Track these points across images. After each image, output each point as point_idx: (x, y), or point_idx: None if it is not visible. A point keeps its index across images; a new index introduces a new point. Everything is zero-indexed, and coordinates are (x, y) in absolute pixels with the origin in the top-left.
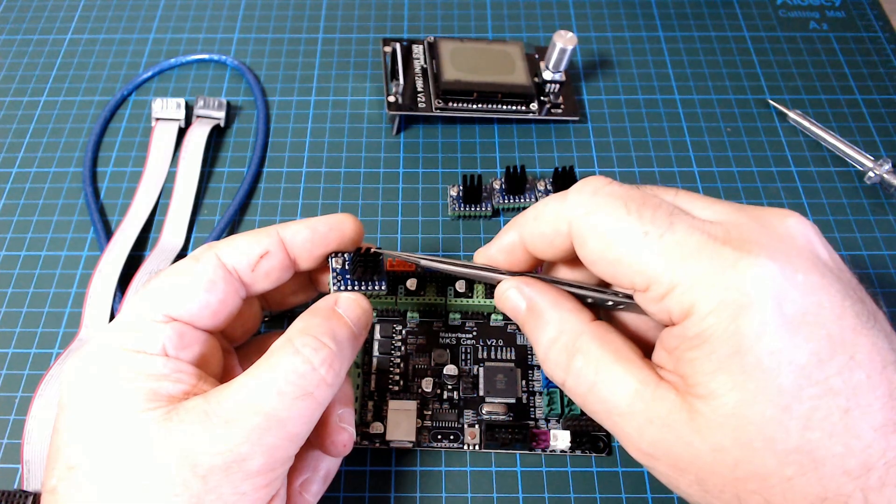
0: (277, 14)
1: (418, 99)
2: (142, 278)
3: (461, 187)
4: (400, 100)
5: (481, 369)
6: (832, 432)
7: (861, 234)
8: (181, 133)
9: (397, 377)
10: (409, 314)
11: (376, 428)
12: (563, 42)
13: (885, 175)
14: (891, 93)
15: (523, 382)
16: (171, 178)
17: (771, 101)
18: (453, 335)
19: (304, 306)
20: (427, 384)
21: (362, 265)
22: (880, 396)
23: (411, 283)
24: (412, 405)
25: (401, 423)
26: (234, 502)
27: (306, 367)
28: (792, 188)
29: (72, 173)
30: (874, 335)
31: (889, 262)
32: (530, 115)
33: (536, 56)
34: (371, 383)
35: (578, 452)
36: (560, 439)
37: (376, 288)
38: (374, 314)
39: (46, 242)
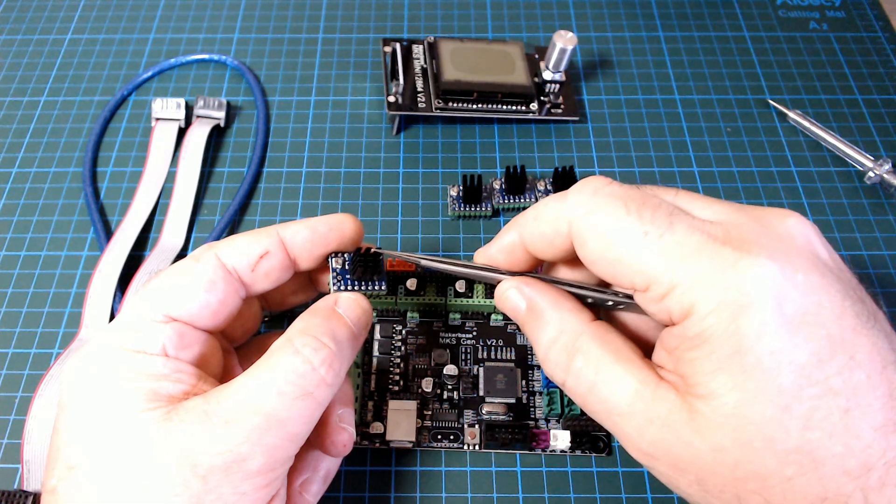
0: (277, 14)
1: (418, 99)
2: (142, 278)
3: (461, 187)
4: (400, 100)
5: (481, 369)
6: (832, 432)
7: (861, 234)
8: (181, 133)
9: (397, 377)
10: (409, 314)
11: (376, 428)
12: (563, 42)
13: (885, 175)
14: (891, 93)
15: (523, 382)
16: (171, 178)
17: (771, 101)
18: (453, 335)
19: (304, 306)
20: (427, 384)
21: (362, 265)
22: (880, 396)
23: (411, 283)
24: (412, 405)
25: (401, 423)
26: (234, 502)
27: (306, 367)
28: (792, 188)
29: (72, 173)
30: (874, 335)
31: (889, 262)
32: (530, 115)
33: (536, 56)
34: (371, 383)
35: (578, 452)
36: (560, 439)
37: (376, 288)
38: (374, 314)
39: (46, 242)
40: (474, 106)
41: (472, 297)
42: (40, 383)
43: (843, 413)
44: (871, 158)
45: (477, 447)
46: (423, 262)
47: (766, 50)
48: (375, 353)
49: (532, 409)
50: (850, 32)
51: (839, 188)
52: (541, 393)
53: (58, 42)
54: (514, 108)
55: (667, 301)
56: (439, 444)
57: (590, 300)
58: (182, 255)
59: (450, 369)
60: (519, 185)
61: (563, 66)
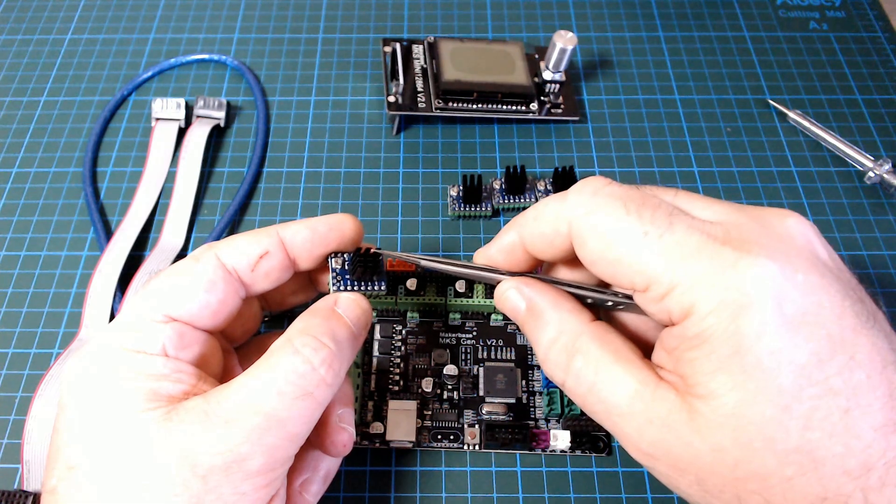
0: (277, 14)
1: (418, 99)
2: (142, 278)
3: (461, 187)
4: (400, 100)
5: (481, 369)
6: (832, 432)
7: (861, 234)
8: (181, 133)
9: (397, 377)
10: (409, 314)
11: (376, 428)
12: (563, 42)
13: (885, 175)
14: (891, 93)
15: (523, 382)
16: (171, 178)
17: (771, 101)
18: (453, 335)
19: (304, 306)
20: (427, 384)
21: (362, 265)
22: (880, 396)
23: (411, 283)
24: (412, 405)
25: (401, 423)
26: (234, 502)
27: (306, 367)
28: (792, 188)
29: (72, 173)
30: (874, 335)
31: (889, 262)
32: (530, 115)
33: (536, 56)
34: (371, 383)
35: (578, 452)
36: (560, 439)
37: (376, 288)
38: (374, 314)
39: (46, 242)
40: (474, 106)
41: (472, 297)
42: (40, 383)
43: (843, 413)
44: (871, 158)
45: (477, 447)
46: (423, 263)
47: (766, 50)
48: (375, 353)
49: (532, 409)
50: (850, 32)
51: (839, 188)
52: (541, 393)
53: (58, 42)
54: (514, 108)
55: (666, 301)
56: (439, 444)
57: (589, 300)
58: (182, 255)
59: (450, 369)
60: (519, 185)
61: (563, 66)
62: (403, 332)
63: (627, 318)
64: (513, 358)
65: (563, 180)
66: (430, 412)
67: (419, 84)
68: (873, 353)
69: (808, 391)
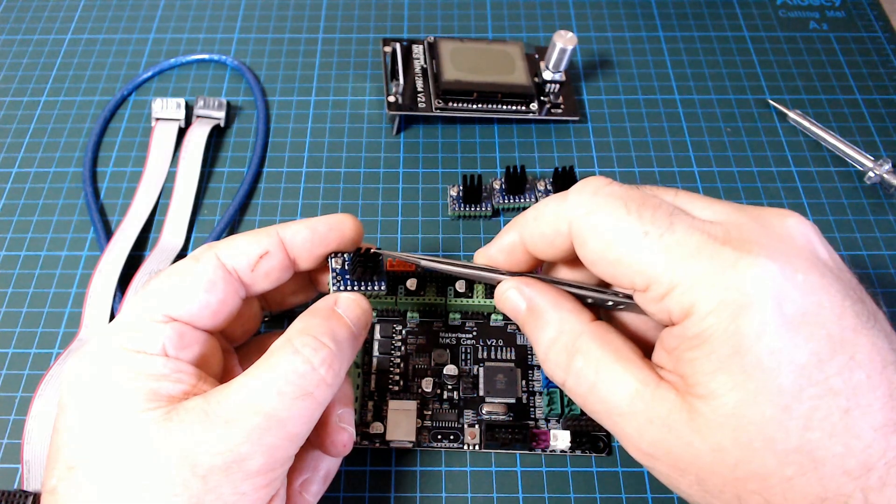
0: (277, 14)
1: (418, 99)
2: (142, 278)
3: (461, 187)
4: (400, 100)
5: (481, 369)
6: (832, 432)
7: (861, 234)
8: (181, 133)
9: (397, 377)
10: (409, 314)
11: (376, 428)
12: (563, 42)
13: (885, 175)
14: (891, 93)
15: (523, 382)
16: (171, 178)
17: (771, 101)
18: (453, 335)
19: (304, 306)
20: (427, 384)
21: (362, 265)
22: (880, 396)
23: (411, 283)
24: (412, 405)
25: (401, 423)
26: (234, 502)
27: (306, 367)
28: (792, 188)
29: (72, 173)
30: (874, 335)
31: (889, 262)
32: (530, 115)
33: (536, 56)
34: (371, 383)
35: (578, 452)
36: (560, 439)
37: (376, 288)
38: (374, 314)
39: (46, 242)
40: (474, 106)
41: (472, 297)
42: (40, 383)
43: (843, 413)
44: (871, 158)
45: (477, 447)
46: (423, 263)
47: (766, 50)
48: (375, 353)
49: (532, 409)
50: (850, 32)
51: (839, 188)
52: (541, 393)
53: (58, 42)
54: (514, 108)
55: (667, 301)
56: (439, 444)
57: (589, 300)
58: (182, 255)
59: (450, 369)
60: (519, 185)
61: (563, 66)
62: (403, 332)
63: (627, 317)
64: (513, 358)
65: (563, 180)
66: (430, 412)
67: (419, 84)
68: (873, 353)
69: (809, 391)
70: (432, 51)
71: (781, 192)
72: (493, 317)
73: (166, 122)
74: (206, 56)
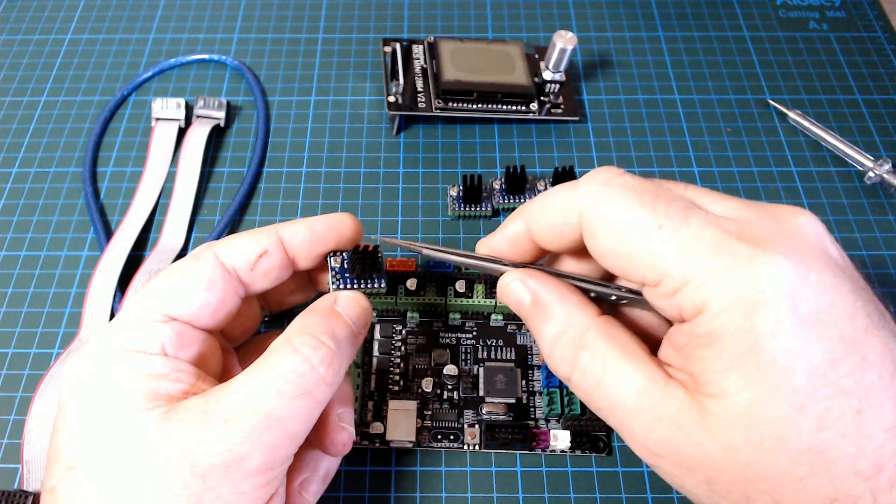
0: (277, 14)
1: (418, 99)
2: (142, 278)
3: (461, 187)
4: (400, 100)
5: (481, 369)
6: (845, 433)
7: (861, 234)
8: (181, 133)
9: (397, 377)
10: (409, 314)
11: (376, 428)
12: (563, 42)
13: (885, 175)
14: (891, 93)
15: (523, 382)
16: (171, 178)
17: (771, 101)
18: (453, 335)
19: (304, 306)
20: (427, 384)
21: (361, 263)
22: (892, 397)
23: (411, 283)
24: (412, 405)
25: (401, 423)
26: (234, 501)
27: (305, 366)
28: (792, 188)
29: (72, 173)
30: (885, 336)
31: (889, 262)
32: (530, 115)
33: (536, 56)
34: (371, 383)
35: (578, 452)
36: (560, 439)
37: (376, 286)
38: (374, 314)
39: (46, 242)
40: (474, 106)
41: (472, 297)
42: (40, 383)
43: (855, 413)
44: (871, 158)
45: (477, 447)
46: (425, 252)
47: (766, 50)
48: (375, 353)
49: (532, 409)
50: (850, 32)
51: (839, 188)
52: (541, 393)
53: (58, 42)
54: (514, 108)
55: (678, 297)
56: (439, 444)
57: (592, 294)
58: (182, 255)
59: (450, 369)
60: (519, 185)
61: (563, 66)
62: (403, 332)
63: (631, 313)
64: (513, 358)
65: (563, 180)
66: (430, 412)
67: (419, 84)
68: (885, 354)
69: (822, 391)
70: (432, 51)
71: (781, 192)
72: (493, 317)
73: (166, 122)
74: (206, 56)
